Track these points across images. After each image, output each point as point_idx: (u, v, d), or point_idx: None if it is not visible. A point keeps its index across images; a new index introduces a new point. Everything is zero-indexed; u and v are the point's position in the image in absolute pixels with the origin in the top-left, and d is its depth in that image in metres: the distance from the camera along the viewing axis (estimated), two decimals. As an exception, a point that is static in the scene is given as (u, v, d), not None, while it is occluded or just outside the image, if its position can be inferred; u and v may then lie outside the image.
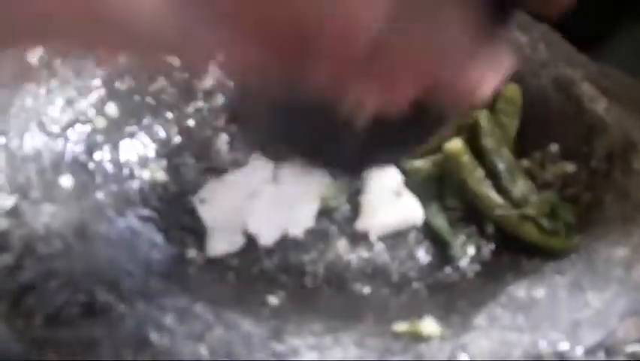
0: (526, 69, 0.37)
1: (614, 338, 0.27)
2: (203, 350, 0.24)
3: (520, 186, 0.34)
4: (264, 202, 0.35)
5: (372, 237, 0.34)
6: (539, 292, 0.29)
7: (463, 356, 0.26)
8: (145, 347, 0.24)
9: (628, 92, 0.37)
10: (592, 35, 0.41)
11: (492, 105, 0.37)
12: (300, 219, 0.35)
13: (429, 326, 0.28)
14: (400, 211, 0.35)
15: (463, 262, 0.33)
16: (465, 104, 0.21)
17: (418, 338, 0.27)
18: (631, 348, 0.27)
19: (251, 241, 0.34)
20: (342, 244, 0.34)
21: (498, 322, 0.28)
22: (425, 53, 0.18)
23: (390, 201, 0.35)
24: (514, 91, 0.37)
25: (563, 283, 0.30)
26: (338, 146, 0.26)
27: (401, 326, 0.28)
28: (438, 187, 0.36)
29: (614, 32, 0.44)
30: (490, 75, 0.20)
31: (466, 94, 0.20)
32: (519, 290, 0.30)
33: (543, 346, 0.26)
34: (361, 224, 0.35)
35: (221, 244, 0.33)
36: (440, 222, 0.35)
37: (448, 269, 0.33)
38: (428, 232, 0.35)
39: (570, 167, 0.35)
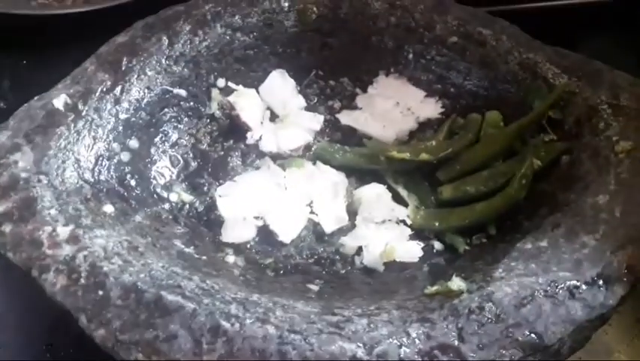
0: (495, 56, 0.42)
1: (610, 269, 0.31)
2: (271, 329, 0.27)
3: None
4: (279, 205, 0.39)
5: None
6: (543, 243, 0.33)
7: (491, 303, 0.30)
8: (220, 333, 0.27)
9: (581, 67, 0.42)
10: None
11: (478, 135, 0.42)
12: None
13: (456, 283, 0.31)
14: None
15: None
16: None
17: (449, 295, 0.31)
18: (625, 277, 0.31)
19: (277, 240, 0.37)
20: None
21: (514, 271, 0.31)
22: None
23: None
24: (495, 116, 0.43)
25: (561, 232, 0.34)
26: None
27: (432, 289, 0.31)
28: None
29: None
30: None
31: None
32: (526, 245, 0.33)
33: (556, 284, 0.30)
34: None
35: (237, 232, 0.37)
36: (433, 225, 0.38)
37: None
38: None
39: (547, 137, 0.40)
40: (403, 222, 0.39)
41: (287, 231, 0.38)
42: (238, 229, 0.37)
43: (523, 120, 0.40)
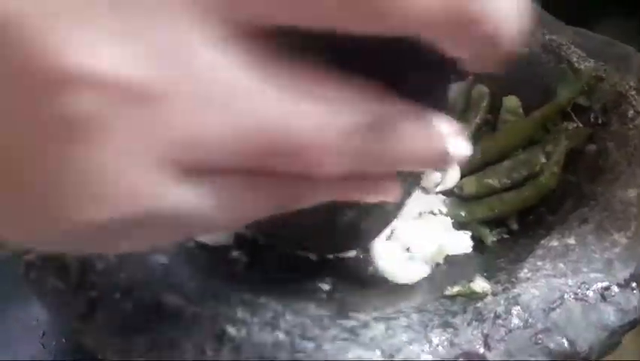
0: (516, 38, 0.39)
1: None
2: (282, 335, 0.25)
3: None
4: None
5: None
6: (571, 240, 0.31)
7: (518, 306, 0.28)
8: (225, 341, 0.24)
9: (607, 50, 0.40)
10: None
11: (495, 123, 0.40)
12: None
13: (480, 284, 0.29)
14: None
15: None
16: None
17: (472, 296, 0.28)
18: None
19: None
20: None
21: (541, 272, 0.29)
22: None
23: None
24: (513, 101, 0.40)
25: (589, 229, 0.31)
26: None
27: (453, 290, 0.29)
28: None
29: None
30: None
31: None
32: (552, 242, 0.31)
33: (586, 286, 0.28)
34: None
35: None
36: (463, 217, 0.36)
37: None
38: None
39: (571, 125, 0.38)
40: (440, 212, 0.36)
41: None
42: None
43: (547, 108, 0.38)
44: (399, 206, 0.30)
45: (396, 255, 0.34)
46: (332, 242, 0.32)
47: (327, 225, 0.28)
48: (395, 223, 0.34)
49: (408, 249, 0.34)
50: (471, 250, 0.35)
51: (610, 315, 0.27)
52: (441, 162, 0.19)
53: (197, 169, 0.15)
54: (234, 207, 0.16)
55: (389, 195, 0.19)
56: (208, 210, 0.15)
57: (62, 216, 0.14)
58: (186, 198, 0.15)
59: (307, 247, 0.32)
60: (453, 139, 0.18)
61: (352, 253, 0.34)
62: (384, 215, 0.30)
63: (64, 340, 0.35)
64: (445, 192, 0.37)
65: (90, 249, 0.18)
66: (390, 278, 0.32)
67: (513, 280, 0.29)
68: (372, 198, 0.19)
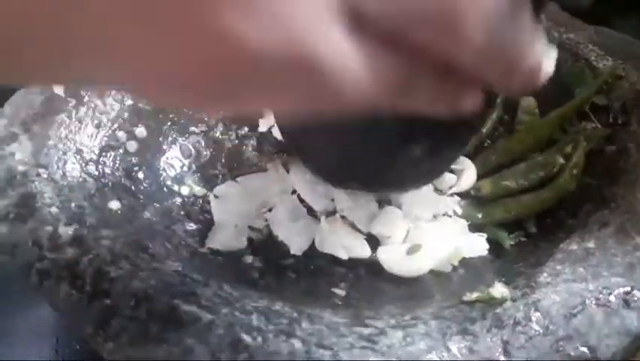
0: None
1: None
2: (297, 344, 0.24)
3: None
4: (287, 213, 0.35)
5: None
6: (590, 244, 0.30)
7: (538, 312, 0.27)
8: (240, 349, 0.24)
9: (625, 48, 0.39)
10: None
11: (511, 124, 0.39)
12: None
13: (499, 289, 0.28)
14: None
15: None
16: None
17: (491, 302, 0.28)
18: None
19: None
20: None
21: (561, 276, 0.29)
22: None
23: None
24: (530, 101, 0.39)
25: (610, 232, 0.31)
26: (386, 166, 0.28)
27: (472, 296, 0.29)
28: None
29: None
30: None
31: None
32: (572, 245, 0.30)
33: (608, 291, 0.28)
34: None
35: (225, 239, 0.33)
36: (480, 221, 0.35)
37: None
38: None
39: (590, 125, 0.37)
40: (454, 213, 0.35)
41: (297, 243, 0.34)
42: (226, 236, 0.33)
43: (565, 108, 0.37)
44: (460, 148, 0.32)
45: (398, 249, 0.33)
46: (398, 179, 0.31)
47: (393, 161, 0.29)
48: (410, 224, 0.34)
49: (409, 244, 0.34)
50: (487, 252, 0.34)
51: (633, 320, 0.27)
52: (535, 76, 0.19)
53: (365, 27, 0.14)
54: (383, 83, 0.16)
55: (473, 103, 0.20)
56: (357, 75, 0.15)
57: (233, 35, 0.13)
58: (343, 53, 0.14)
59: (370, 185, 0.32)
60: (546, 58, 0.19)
61: (366, 254, 0.34)
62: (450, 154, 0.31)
63: (78, 346, 0.34)
64: (460, 194, 0.37)
65: (232, 94, 0.16)
66: (393, 272, 0.32)
67: (532, 285, 0.28)
68: (460, 105, 0.19)
